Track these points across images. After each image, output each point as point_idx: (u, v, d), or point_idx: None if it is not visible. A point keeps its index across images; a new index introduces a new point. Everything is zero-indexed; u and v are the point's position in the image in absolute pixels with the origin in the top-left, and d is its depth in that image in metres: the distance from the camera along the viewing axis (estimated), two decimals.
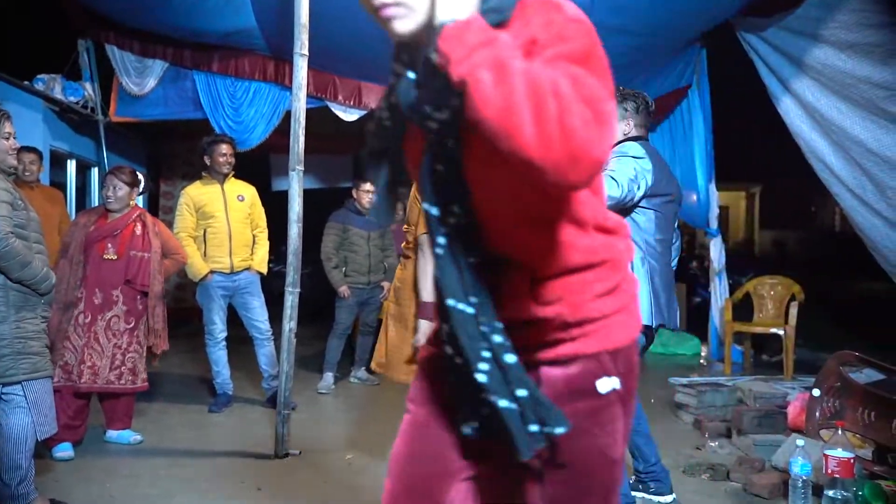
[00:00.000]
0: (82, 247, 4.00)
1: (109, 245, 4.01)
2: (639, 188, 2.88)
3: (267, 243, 5.15)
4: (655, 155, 3.06)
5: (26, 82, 6.33)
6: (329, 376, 5.81)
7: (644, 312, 2.79)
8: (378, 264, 5.90)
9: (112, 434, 4.19)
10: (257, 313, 5.04)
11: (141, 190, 4.25)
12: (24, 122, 6.05)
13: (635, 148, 2.95)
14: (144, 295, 4.08)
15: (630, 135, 3.06)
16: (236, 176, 5.08)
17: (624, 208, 2.88)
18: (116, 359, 3.97)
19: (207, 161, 4.98)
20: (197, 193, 4.95)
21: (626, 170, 2.84)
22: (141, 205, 4.53)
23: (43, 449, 3.69)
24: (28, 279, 2.98)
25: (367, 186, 5.77)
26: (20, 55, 7.11)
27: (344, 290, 5.74)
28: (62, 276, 3.88)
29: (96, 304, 3.97)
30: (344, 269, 5.81)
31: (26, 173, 5.07)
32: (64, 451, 3.87)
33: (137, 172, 4.22)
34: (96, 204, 7.73)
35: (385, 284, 5.88)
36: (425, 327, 2.79)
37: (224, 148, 4.97)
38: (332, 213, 5.92)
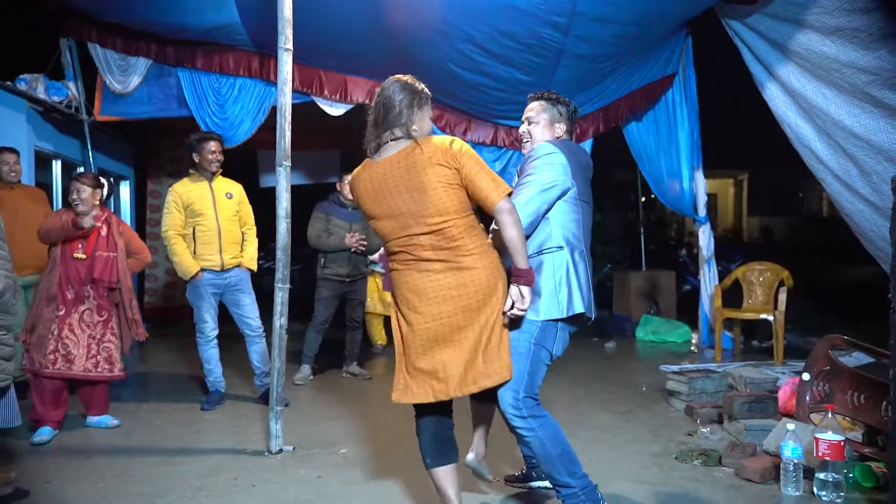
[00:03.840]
0: (61, 244, 4.29)
1: (80, 245, 4.29)
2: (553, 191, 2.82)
3: (256, 240, 5.14)
4: (577, 155, 2.97)
5: (8, 82, 6.26)
6: (306, 368, 5.86)
7: (576, 301, 2.76)
8: (359, 257, 5.89)
9: (92, 419, 4.44)
10: (248, 310, 5.03)
11: (105, 193, 4.51)
12: (7, 122, 6.00)
13: (547, 146, 2.87)
14: (112, 290, 4.39)
15: (560, 137, 3.01)
16: (224, 173, 5.07)
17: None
18: (92, 349, 4.29)
19: (196, 158, 4.95)
20: (185, 191, 4.92)
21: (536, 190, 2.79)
22: (112, 207, 4.67)
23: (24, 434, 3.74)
24: None
25: None
26: (1, 55, 7.03)
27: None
28: (48, 269, 4.27)
29: (69, 298, 4.27)
30: (323, 260, 5.80)
31: (11, 174, 5.03)
32: (40, 435, 4.10)
33: (100, 177, 4.51)
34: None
35: (372, 269, 5.93)
36: None
37: (213, 145, 4.94)
38: (317, 203, 5.92)
